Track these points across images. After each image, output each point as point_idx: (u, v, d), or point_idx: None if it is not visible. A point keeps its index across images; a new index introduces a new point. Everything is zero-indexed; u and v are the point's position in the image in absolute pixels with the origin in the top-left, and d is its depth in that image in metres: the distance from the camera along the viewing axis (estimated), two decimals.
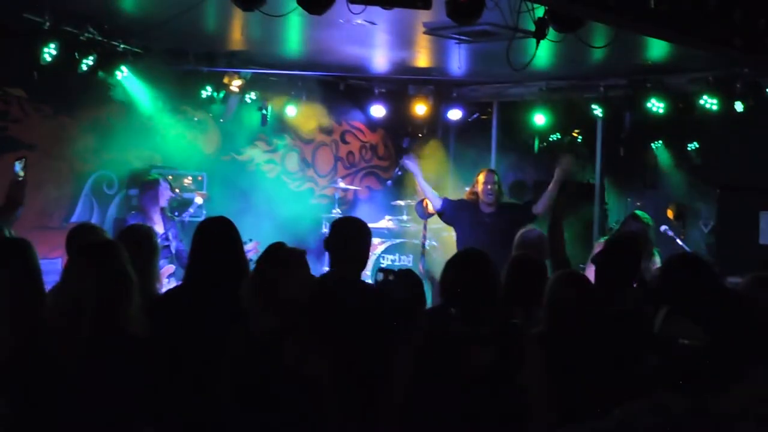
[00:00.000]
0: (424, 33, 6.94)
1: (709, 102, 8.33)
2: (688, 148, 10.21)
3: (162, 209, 7.70)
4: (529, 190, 10.27)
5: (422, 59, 8.57)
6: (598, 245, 7.56)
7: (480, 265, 3.71)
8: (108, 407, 3.04)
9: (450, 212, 7.63)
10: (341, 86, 9.89)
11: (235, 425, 3.30)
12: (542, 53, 6.66)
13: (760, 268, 4.39)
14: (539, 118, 9.46)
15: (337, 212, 9.56)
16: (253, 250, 7.05)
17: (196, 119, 9.02)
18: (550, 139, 10.13)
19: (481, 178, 7.47)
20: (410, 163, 7.97)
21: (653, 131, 9.66)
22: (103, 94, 8.04)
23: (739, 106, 8.22)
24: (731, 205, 8.90)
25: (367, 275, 8.98)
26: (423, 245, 8.64)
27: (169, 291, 4.36)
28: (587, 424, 2.02)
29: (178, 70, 8.41)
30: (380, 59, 8.76)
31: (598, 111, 9.15)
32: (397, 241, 9.45)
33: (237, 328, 3.43)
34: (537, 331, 3.85)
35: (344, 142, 10.56)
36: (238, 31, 7.56)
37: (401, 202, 9.90)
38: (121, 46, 7.74)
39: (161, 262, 6.30)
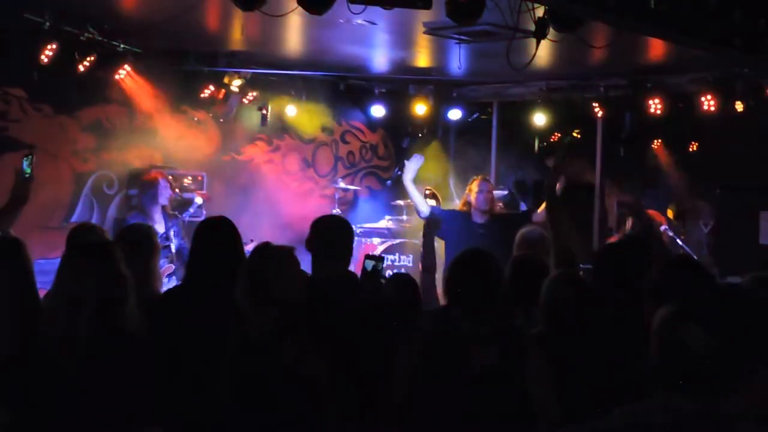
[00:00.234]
0: (424, 33, 6.95)
1: (709, 102, 8.33)
2: (688, 148, 10.21)
3: (163, 208, 7.70)
4: (529, 190, 10.26)
5: (422, 59, 8.57)
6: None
7: (483, 266, 3.70)
8: (108, 407, 3.04)
9: (439, 222, 7.30)
10: (341, 86, 9.89)
11: (235, 425, 3.30)
12: (542, 53, 6.65)
13: (760, 268, 4.40)
14: (539, 118, 9.46)
15: (337, 212, 9.56)
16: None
17: (196, 119, 9.02)
18: (550, 139, 10.14)
19: (474, 186, 7.23)
20: (412, 164, 7.62)
21: (653, 131, 9.66)
22: (103, 94, 8.04)
23: (739, 106, 8.22)
24: (731, 205, 8.90)
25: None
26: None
27: (169, 291, 4.37)
28: (592, 423, 2.01)
29: (178, 70, 8.41)
30: (380, 59, 8.76)
31: (598, 111, 9.15)
32: (397, 241, 9.45)
33: (235, 328, 3.44)
34: (536, 331, 3.85)
35: (344, 142, 10.56)
36: (238, 31, 7.55)
37: (401, 202, 9.90)
38: (121, 46, 7.74)
39: (161, 261, 6.30)
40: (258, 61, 8.76)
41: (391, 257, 9.33)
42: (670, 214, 9.30)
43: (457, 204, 7.65)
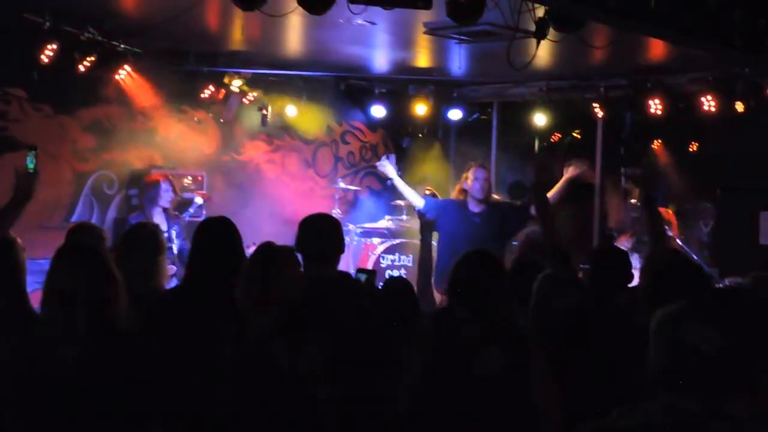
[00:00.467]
0: (424, 33, 6.94)
1: (709, 102, 8.33)
2: (688, 148, 10.21)
3: (165, 209, 7.70)
4: (529, 191, 10.25)
5: (422, 59, 8.57)
6: (621, 243, 7.58)
7: (486, 266, 3.70)
8: (106, 407, 3.03)
9: (434, 212, 7.07)
10: (341, 86, 9.89)
11: (232, 426, 3.30)
12: (542, 53, 6.66)
13: (760, 268, 4.40)
14: (539, 119, 9.45)
15: (337, 212, 9.56)
16: None
17: (196, 119, 9.02)
18: (551, 139, 10.13)
19: (470, 173, 7.03)
20: (384, 166, 7.42)
21: (653, 131, 9.66)
22: (103, 94, 8.04)
23: (739, 106, 8.22)
24: (731, 205, 8.90)
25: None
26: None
27: (169, 290, 4.37)
28: (595, 422, 2.01)
29: (178, 70, 8.41)
30: (380, 59, 8.76)
31: (598, 111, 9.15)
32: (397, 241, 9.45)
33: (233, 328, 3.44)
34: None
35: (344, 142, 10.56)
36: (238, 31, 7.55)
37: (401, 202, 9.89)
38: (121, 46, 7.74)
39: None
40: (258, 61, 8.76)
41: (391, 257, 9.33)
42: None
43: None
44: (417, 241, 9.26)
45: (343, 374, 3.43)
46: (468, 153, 10.18)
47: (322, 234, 4.11)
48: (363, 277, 4.07)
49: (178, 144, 8.81)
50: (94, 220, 8.14)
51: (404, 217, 9.80)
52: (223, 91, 8.77)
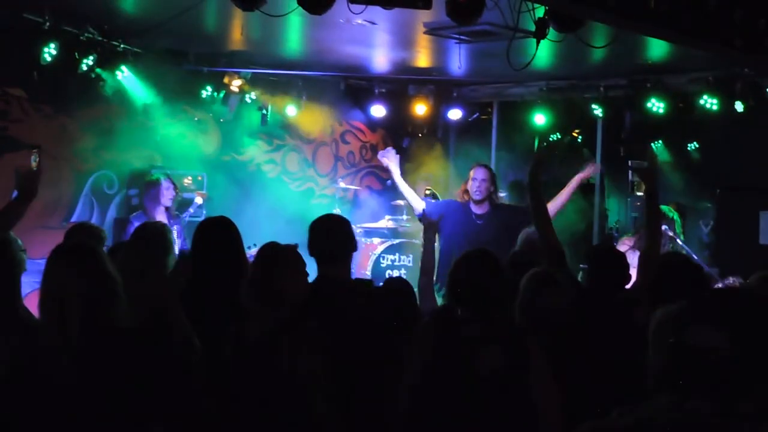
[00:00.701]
0: (424, 33, 6.94)
1: (709, 102, 8.33)
2: (688, 148, 10.21)
3: (167, 209, 7.70)
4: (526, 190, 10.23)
5: (422, 59, 8.57)
6: (623, 243, 7.56)
7: (486, 266, 3.69)
8: (105, 406, 3.03)
9: (435, 214, 6.70)
10: (341, 86, 9.90)
11: (232, 425, 3.30)
12: (542, 53, 6.66)
13: (760, 268, 4.40)
14: (539, 118, 9.46)
15: (337, 212, 9.56)
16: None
17: (196, 119, 9.02)
18: (551, 139, 10.13)
19: (471, 173, 6.92)
20: (387, 158, 7.04)
21: (653, 131, 9.66)
22: (103, 94, 8.04)
23: (739, 106, 8.22)
24: (731, 205, 8.90)
25: (367, 274, 9.01)
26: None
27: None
28: (595, 422, 2.01)
29: (178, 70, 8.41)
30: (380, 59, 8.76)
31: (598, 111, 9.15)
32: (397, 241, 9.45)
33: (235, 328, 3.44)
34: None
35: (344, 142, 10.56)
36: (238, 31, 7.55)
37: (401, 202, 9.89)
38: (121, 46, 7.75)
39: None
40: (258, 61, 8.76)
41: (391, 257, 9.33)
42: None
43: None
44: (417, 241, 9.28)
45: (344, 375, 3.43)
46: (468, 153, 10.20)
47: (330, 234, 4.10)
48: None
49: (178, 144, 8.80)
50: (94, 220, 8.14)
51: (404, 217, 9.80)
52: (223, 91, 8.77)
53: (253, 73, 8.87)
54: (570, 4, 5.35)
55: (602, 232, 9.52)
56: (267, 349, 3.30)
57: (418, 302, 4.25)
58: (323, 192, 10.28)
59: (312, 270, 3.97)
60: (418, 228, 8.96)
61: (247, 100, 9.11)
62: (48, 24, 7.04)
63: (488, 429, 3.43)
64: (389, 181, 10.56)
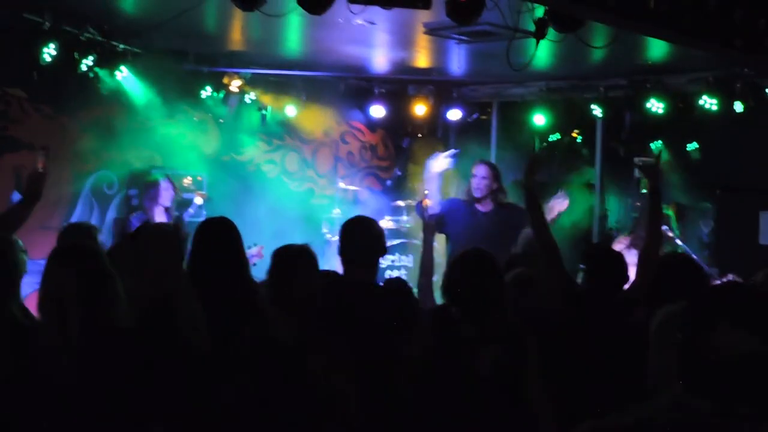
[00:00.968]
0: (424, 33, 6.94)
1: (709, 102, 8.33)
2: (688, 148, 10.21)
3: (167, 209, 7.69)
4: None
5: (422, 59, 8.57)
6: (618, 242, 7.56)
7: (484, 265, 3.70)
8: (105, 406, 3.03)
9: (441, 213, 6.65)
10: (341, 86, 9.89)
11: (246, 427, 3.29)
12: (542, 53, 6.66)
13: (760, 268, 4.40)
14: (539, 118, 9.46)
15: (337, 212, 9.57)
16: (257, 255, 7.04)
17: (196, 119, 9.02)
18: (550, 139, 10.13)
19: (473, 170, 6.89)
20: (439, 160, 6.90)
21: (653, 131, 9.66)
22: (103, 94, 8.04)
23: (738, 106, 8.22)
24: (731, 205, 8.90)
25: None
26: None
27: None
28: (596, 422, 2.01)
29: (178, 70, 8.41)
30: (380, 59, 8.76)
31: (598, 111, 9.15)
32: (397, 241, 9.45)
33: (249, 330, 3.43)
34: None
35: (344, 142, 10.56)
36: (238, 31, 7.56)
37: (401, 202, 9.90)
38: (121, 46, 7.74)
39: None
40: (258, 61, 8.76)
41: (391, 257, 9.34)
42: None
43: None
44: (417, 242, 9.28)
45: (362, 381, 3.42)
46: (468, 153, 10.19)
47: (356, 238, 4.10)
48: None
49: (178, 144, 8.80)
50: (94, 220, 8.13)
51: (404, 217, 9.81)
52: (222, 91, 8.78)
53: (253, 73, 8.87)
54: (570, 4, 5.35)
55: (602, 232, 9.51)
56: (284, 352, 3.29)
57: (417, 302, 4.26)
58: (323, 192, 10.28)
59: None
60: (418, 228, 8.97)
61: (247, 100, 9.11)
62: (48, 24, 7.03)
63: (487, 429, 3.44)
64: (389, 182, 10.60)
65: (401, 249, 9.42)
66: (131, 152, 8.48)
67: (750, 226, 8.83)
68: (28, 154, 7.55)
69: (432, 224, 5.54)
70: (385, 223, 9.85)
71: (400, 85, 9.95)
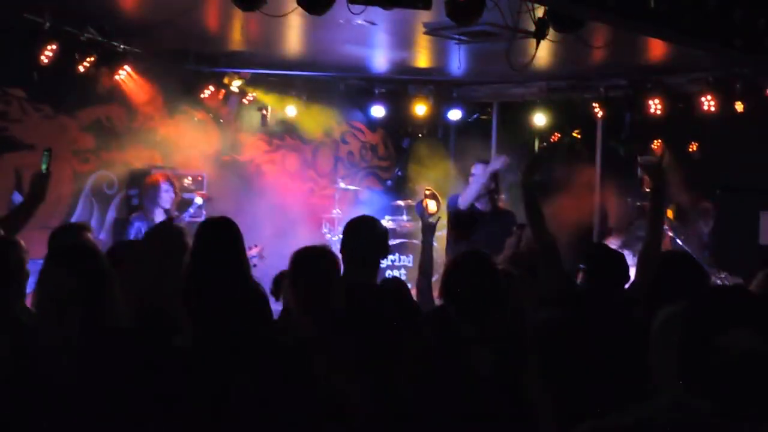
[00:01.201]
0: (424, 33, 6.95)
1: (709, 102, 8.33)
2: (688, 149, 10.21)
3: (166, 210, 7.69)
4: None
5: (422, 59, 8.57)
6: (610, 242, 7.56)
7: (484, 265, 3.70)
8: (105, 407, 3.03)
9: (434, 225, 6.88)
10: (341, 86, 9.90)
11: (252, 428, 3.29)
12: (542, 53, 6.66)
13: (760, 268, 4.39)
14: (539, 118, 9.46)
15: (337, 212, 9.57)
16: (257, 255, 7.05)
17: (196, 119, 9.02)
18: (550, 139, 10.13)
19: (471, 170, 6.92)
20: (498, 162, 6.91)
21: (653, 131, 9.66)
22: (103, 94, 8.04)
23: (739, 106, 8.23)
24: (731, 205, 8.89)
25: None
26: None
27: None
28: (596, 422, 2.01)
29: (178, 70, 8.42)
30: (380, 59, 8.76)
31: (598, 111, 9.15)
32: (397, 241, 9.46)
33: (265, 332, 3.43)
34: None
35: (344, 142, 10.56)
36: (238, 31, 7.56)
37: (401, 202, 9.91)
38: (121, 46, 7.75)
39: None
40: (258, 61, 8.76)
41: (391, 257, 9.34)
42: (669, 214, 9.30)
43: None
44: (417, 242, 9.28)
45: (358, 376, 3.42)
46: (468, 153, 10.20)
47: (359, 237, 4.10)
48: None
49: (178, 144, 8.80)
50: (94, 221, 8.14)
51: (404, 217, 9.81)
52: (223, 91, 8.78)
53: (253, 73, 8.87)
54: (570, 4, 5.35)
55: (602, 231, 9.51)
56: (289, 353, 3.29)
57: (416, 302, 4.26)
58: (323, 192, 10.28)
59: None
60: (418, 228, 8.98)
61: (247, 100, 9.12)
62: (48, 24, 7.04)
63: (487, 429, 3.44)
64: (389, 182, 10.61)
65: (401, 249, 9.42)
66: (131, 152, 8.48)
67: (750, 226, 8.82)
68: (28, 154, 7.56)
69: (432, 225, 5.54)
70: (385, 223, 9.86)
71: (400, 85, 9.95)
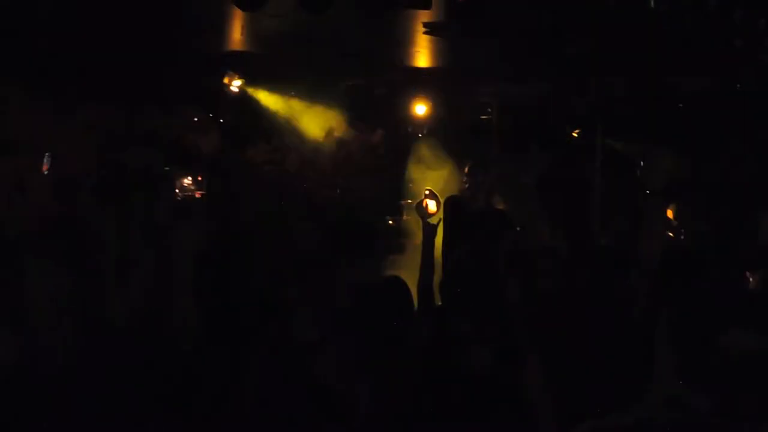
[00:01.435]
0: (424, 33, 6.95)
1: (708, 102, 8.34)
2: (688, 149, 10.21)
3: (166, 210, 7.69)
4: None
5: (422, 59, 8.57)
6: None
7: (482, 265, 3.70)
8: (108, 406, 3.03)
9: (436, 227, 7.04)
10: (342, 86, 9.90)
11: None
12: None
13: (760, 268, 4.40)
14: (538, 118, 9.46)
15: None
16: None
17: (196, 119, 9.02)
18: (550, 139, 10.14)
19: (466, 169, 7.01)
20: None
21: (648, 129, 9.66)
22: (102, 94, 8.04)
23: (738, 106, 8.23)
24: (731, 205, 8.89)
25: None
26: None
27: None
28: (595, 422, 2.01)
29: (178, 70, 8.41)
30: (380, 59, 8.76)
31: (596, 110, 9.15)
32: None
33: (273, 332, 3.43)
34: None
35: (344, 142, 10.54)
36: (238, 31, 7.56)
37: (401, 202, 9.89)
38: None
39: None
40: (258, 62, 8.76)
41: (390, 257, 9.31)
42: (670, 214, 9.30)
43: None
44: (416, 242, 9.27)
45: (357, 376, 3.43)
46: (468, 153, 10.19)
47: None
48: None
49: (178, 144, 8.80)
50: None
51: (404, 217, 9.80)
52: (223, 90, 8.79)
53: (253, 73, 8.88)
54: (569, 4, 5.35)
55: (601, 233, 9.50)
56: (289, 353, 3.29)
57: (415, 302, 4.26)
58: (323, 192, 10.26)
59: None
60: (418, 228, 8.97)
61: (247, 99, 9.12)
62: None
63: (487, 429, 3.44)
64: (389, 182, 10.58)
65: (401, 249, 9.41)
66: (131, 152, 8.47)
67: (750, 226, 8.82)
68: (28, 154, 7.56)
69: (433, 226, 5.56)
70: (385, 223, 9.85)
71: (399, 85, 9.95)
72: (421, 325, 3.86)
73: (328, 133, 9.13)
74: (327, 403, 3.25)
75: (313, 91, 9.64)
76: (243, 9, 5.41)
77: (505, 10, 5.47)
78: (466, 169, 6.98)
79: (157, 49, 7.38)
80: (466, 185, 6.91)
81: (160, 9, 6.24)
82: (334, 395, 3.26)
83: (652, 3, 5.36)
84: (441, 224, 7.02)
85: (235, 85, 8.79)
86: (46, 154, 4.75)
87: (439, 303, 4.22)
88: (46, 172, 4.62)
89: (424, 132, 10.52)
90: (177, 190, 8.10)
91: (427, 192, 8.61)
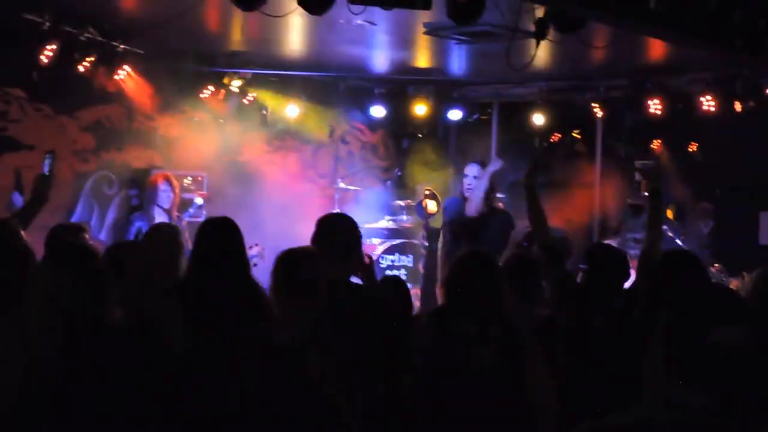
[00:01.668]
0: (424, 33, 6.95)
1: (709, 102, 8.34)
2: (688, 149, 10.21)
3: (166, 210, 7.68)
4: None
5: (422, 59, 8.57)
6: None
7: (484, 265, 3.70)
8: (104, 407, 3.03)
9: (448, 214, 6.91)
10: (341, 86, 9.90)
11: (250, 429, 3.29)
12: (542, 54, 6.66)
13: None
14: (539, 119, 9.46)
15: (336, 212, 9.56)
16: (257, 255, 7.04)
17: (196, 119, 9.02)
18: (550, 139, 10.14)
19: (465, 170, 6.90)
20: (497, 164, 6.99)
21: (653, 131, 9.67)
22: (103, 94, 8.04)
23: (738, 106, 8.23)
24: (731, 205, 8.90)
25: None
26: (423, 246, 8.63)
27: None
28: (595, 422, 2.01)
29: (178, 70, 8.41)
30: (380, 59, 8.77)
31: (598, 111, 9.15)
32: (397, 241, 9.45)
33: (259, 333, 3.42)
34: None
35: (344, 142, 10.55)
36: (238, 31, 7.56)
37: (401, 202, 9.91)
38: (121, 46, 7.75)
39: None
40: (258, 61, 8.76)
41: (391, 257, 9.33)
42: (669, 214, 9.30)
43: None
44: (417, 242, 9.30)
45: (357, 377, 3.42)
46: (468, 153, 10.20)
47: (333, 235, 4.06)
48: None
49: (178, 144, 8.80)
50: (93, 221, 8.15)
51: (404, 217, 9.81)
52: (223, 91, 8.78)
53: (253, 73, 8.87)
54: (570, 4, 5.35)
55: (602, 232, 9.51)
56: (289, 353, 3.28)
57: (414, 302, 4.26)
58: (323, 193, 10.27)
59: None
60: (418, 228, 8.99)
61: (247, 100, 9.12)
62: (48, 24, 7.03)
63: (487, 428, 3.44)
64: (389, 182, 10.59)
65: (401, 249, 9.41)
66: (131, 152, 8.48)
67: (750, 226, 8.83)
68: (28, 154, 7.56)
69: (437, 230, 5.55)
70: (385, 223, 9.86)
71: (400, 85, 9.95)
72: (419, 324, 3.87)
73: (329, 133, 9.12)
74: (320, 406, 3.24)
75: (313, 91, 9.64)
76: (243, 9, 5.40)
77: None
78: (466, 170, 6.95)
79: None
80: (466, 185, 6.87)
81: None
82: (328, 398, 3.25)
83: (652, 3, 5.36)
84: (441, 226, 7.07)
85: (235, 85, 8.78)
86: (46, 153, 4.75)
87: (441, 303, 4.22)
88: (47, 174, 4.61)
89: (424, 132, 10.53)
90: (177, 191, 8.06)
91: (427, 192, 8.65)
